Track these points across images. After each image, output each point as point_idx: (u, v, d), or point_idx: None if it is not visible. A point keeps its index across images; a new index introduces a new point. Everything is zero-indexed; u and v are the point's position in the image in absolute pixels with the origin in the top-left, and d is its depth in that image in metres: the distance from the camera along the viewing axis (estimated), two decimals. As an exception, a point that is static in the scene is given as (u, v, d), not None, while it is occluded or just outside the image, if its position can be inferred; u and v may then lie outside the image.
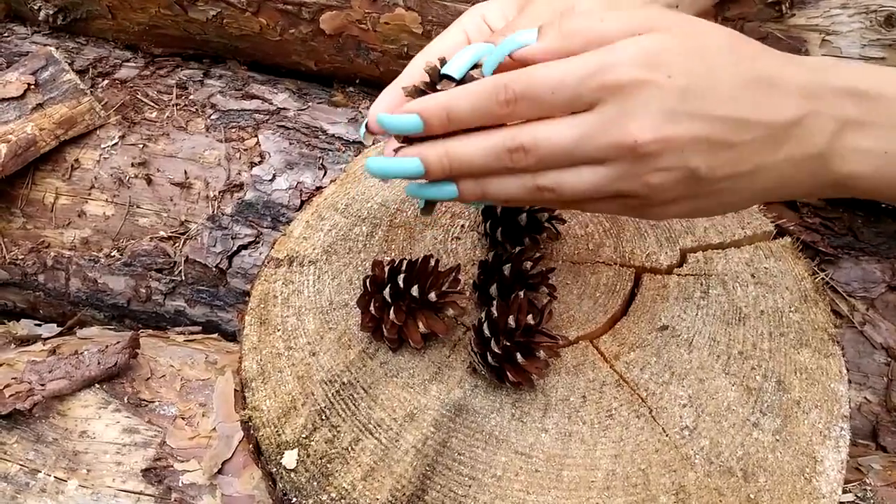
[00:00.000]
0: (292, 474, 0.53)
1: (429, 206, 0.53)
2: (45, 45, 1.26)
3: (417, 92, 0.48)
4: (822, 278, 0.65)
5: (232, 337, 1.01)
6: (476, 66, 0.48)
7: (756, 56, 0.44)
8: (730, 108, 0.42)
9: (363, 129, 0.54)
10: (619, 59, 0.41)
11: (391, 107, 0.53)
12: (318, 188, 1.01)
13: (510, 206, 0.48)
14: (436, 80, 0.49)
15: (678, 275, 0.64)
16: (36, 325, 1.11)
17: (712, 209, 0.48)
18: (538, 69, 0.43)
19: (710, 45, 0.43)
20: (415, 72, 0.53)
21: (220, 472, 0.74)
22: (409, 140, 0.48)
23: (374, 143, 0.80)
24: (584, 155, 0.43)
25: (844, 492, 0.63)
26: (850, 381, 0.58)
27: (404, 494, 0.51)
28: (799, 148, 0.44)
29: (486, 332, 0.54)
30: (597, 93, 0.42)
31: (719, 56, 0.43)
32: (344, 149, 1.07)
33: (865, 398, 0.84)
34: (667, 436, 0.53)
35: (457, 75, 0.48)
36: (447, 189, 0.48)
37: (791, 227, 0.89)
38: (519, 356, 0.53)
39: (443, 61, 0.49)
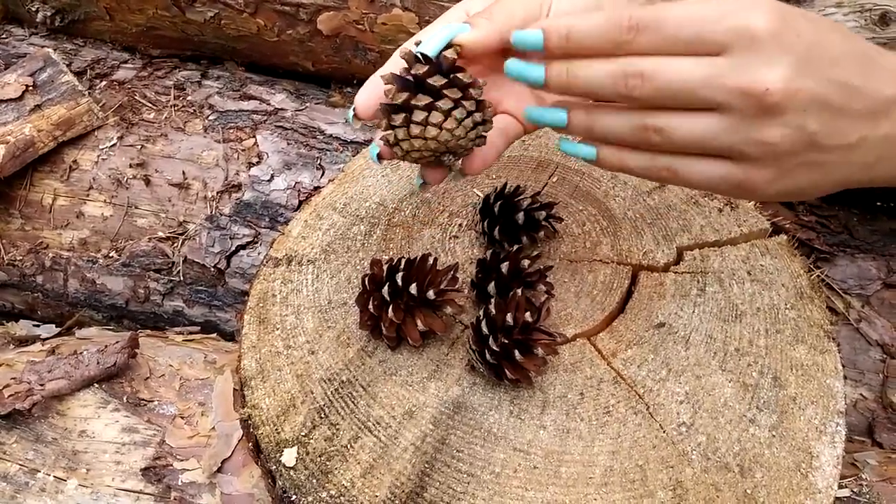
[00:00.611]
0: (292, 472, 0.53)
1: (424, 183, 0.55)
2: (43, 46, 1.26)
3: (394, 78, 0.49)
4: (818, 275, 0.66)
5: (230, 337, 1.01)
6: (449, 45, 0.49)
7: (856, 37, 0.44)
8: (845, 73, 0.42)
9: (351, 114, 0.55)
10: (755, 7, 0.41)
11: (371, 97, 0.53)
12: (317, 188, 1.02)
13: (602, 152, 0.48)
14: (412, 63, 0.49)
15: (675, 272, 0.64)
16: (34, 325, 1.11)
17: (815, 185, 0.46)
18: (663, 6, 0.42)
19: (818, 17, 0.43)
20: (395, 63, 0.53)
21: (219, 470, 0.74)
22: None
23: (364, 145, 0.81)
24: (706, 96, 0.42)
25: (840, 487, 0.63)
26: (846, 378, 0.58)
27: (403, 491, 0.51)
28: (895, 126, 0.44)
29: (485, 329, 0.54)
30: (727, 35, 0.41)
31: (829, 28, 0.43)
32: (342, 149, 1.08)
33: (861, 395, 0.84)
34: (664, 432, 0.54)
35: (430, 53, 0.49)
36: (558, 115, 0.48)
37: (787, 225, 0.89)
38: (517, 353, 0.53)
39: (418, 45, 0.49)
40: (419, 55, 0.49)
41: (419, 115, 0.49)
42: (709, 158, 0.44)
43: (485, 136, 0.52)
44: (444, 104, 0.49)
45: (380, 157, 0.54)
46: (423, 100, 0.49)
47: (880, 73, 0.43)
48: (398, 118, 0.49)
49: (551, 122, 0.49)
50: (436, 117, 0.49)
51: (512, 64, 0.48)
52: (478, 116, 0.50)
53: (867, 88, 0.43)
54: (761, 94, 0.40)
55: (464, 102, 0.49)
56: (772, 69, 0.40)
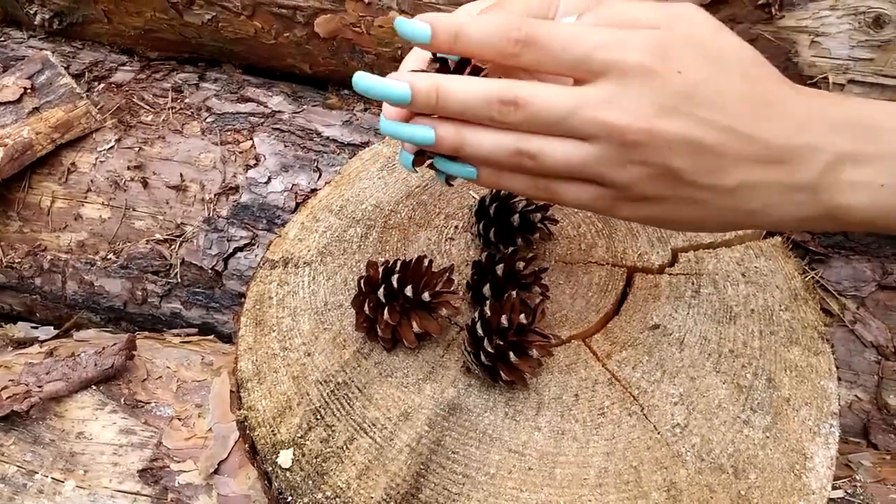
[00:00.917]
0: (287, 473, 0.54)
1: (450, 179, 0.52)
2: (41, 49, 1.26)
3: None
4: (813, 277, 0.66)
5: (228, 339, 1.01)
6: None
7: (768, 79, 0.44)
8: (727, 117, 0.42)
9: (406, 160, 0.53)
10: (635, 42, 0.41)
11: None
12: (313, 190, 1.02)
13: (482, 172, 0.47)
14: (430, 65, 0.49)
15: (670, 274, 0.64)
16: (33, 327, 1.11)
17: (687, 220, 0.47)
18: (558, 24, 0.43)
19: (728, 56, 0.43)
20: (414, 57, 0.52)
21: (216, 472, 0.74)
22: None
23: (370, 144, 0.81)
24: (573, 126, 0.42)
25: (834, 488, 0.63)
26: (840, 380, 0.59)
27: (399, 493, 0.52)
28: (790, 175, 0.43)
29: (480, 331, 0.55)
30: (602, 66, 0.41)
31: (732, 69, 0.43)
32: (339, 151, 1.08)
33: (856, 396, 0.84)
34: (658, 433, 0.54)
35: (404, 32, 0.48)
36: (424, 130, 0.46)
37: (782, 227, 0.89)
38: (512, 355, 0.54)
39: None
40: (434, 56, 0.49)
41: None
42: (581, 182, 0.45)
43: None
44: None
45: (415, 164, 0.51)
46: None
47: (776, 120, 0.43)
48: None
49: (412, 138, 0.46)
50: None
51: (365, 77, 0.45)
52: None
53: (754, 134, 0.42)
54: (622, 129, 0.41)
55: None
56: (630, 106, 0.41)
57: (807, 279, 0.65)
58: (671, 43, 0.42)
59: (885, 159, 0.44)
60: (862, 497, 0.66)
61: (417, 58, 0.52)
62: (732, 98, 0.42)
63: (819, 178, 0.44)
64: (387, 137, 0.81)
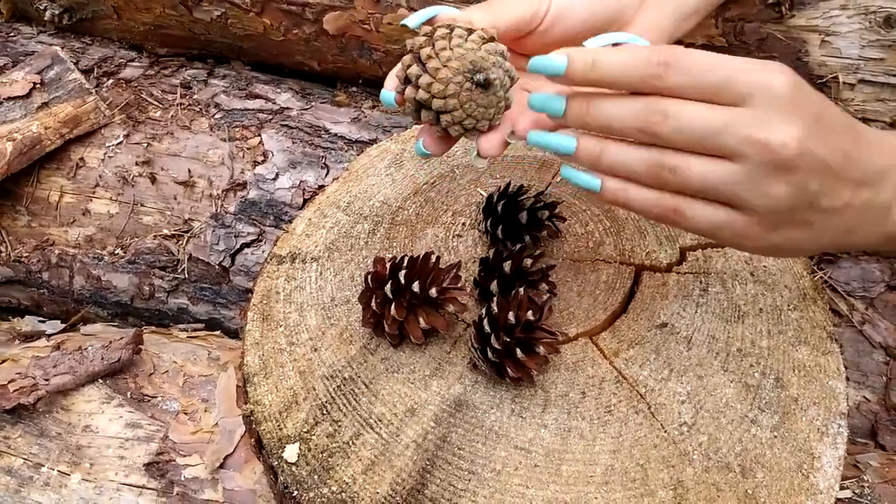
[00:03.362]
0: (293, 468, 0.54)
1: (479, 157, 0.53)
2: (50, 44, 1.26)
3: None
4: (821, 277, 0.66)
5: (234, 334, 1.01)
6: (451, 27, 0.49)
7: (842, 109, 0.48)
8: (844, 142, 0.44)
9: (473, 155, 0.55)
10: (775, 67, 0.43)
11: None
12: (321, 187, 1.02)
13: (607, 183, 0.48)
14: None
15: (678, 273, 0.64)
16: (40, 321, 1.12)
17: (801, 245, 0.48)
18: (697, 50, 0.44)
19: (813, 89, 0.46)
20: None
21: (221, 466, 0.74)
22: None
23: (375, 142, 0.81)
24: (725, 143, 0.42)
25: (842, 488, 0.63)
26: (849, 380, 0.58)
27: (404, 488, 0.52)
28: (875, 197, 0.46)
29: (487, 328, 0.55)
30: (751, 87, 0.42)
31: (825, 99, 0.46)
32: (346, 148, 1.08)
33: (864, 397, 0.84)
34: (665, 432, 0.54)
35: (412, 25, 0.49)
36: (567, 141, 0.47)
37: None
38: (519, 352, 0.53)
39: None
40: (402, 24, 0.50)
41: (441, 43, 0.48)
42: (714, 204, 0.45)
43: (510, 101, 0.51)
44: (461, 30, 0.49)
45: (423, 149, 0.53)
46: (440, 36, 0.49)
47: (870, 146, 0.46)
48: (424, 51, 0.49)
49: (558, 147, 0.48)
50: (457, 37, 0.48)
51: (535, 97, 0.48)
52: (500, 47, 0.50)
53: (859, 158, 0.45)
54: (778, 148, 0.42)
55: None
56: (789, 126, 0.42)
57: (815, 279, 0.65)
58: (796, 78, 0.43)
59: None
60: (870, 497, 0.66)
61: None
62: (841, 126, 0.45)
63: (892, 199, 0.47)
64: (395, 133, 0.82)
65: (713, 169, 0.44)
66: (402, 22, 0.50)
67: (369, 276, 0.59)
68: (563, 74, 0.45)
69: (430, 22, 0.52)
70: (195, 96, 1.19)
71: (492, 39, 0.50)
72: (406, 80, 0.49)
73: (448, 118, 0.49)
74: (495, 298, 0.56)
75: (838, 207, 0.45)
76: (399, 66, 0.50)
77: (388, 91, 0.53)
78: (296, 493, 0.53)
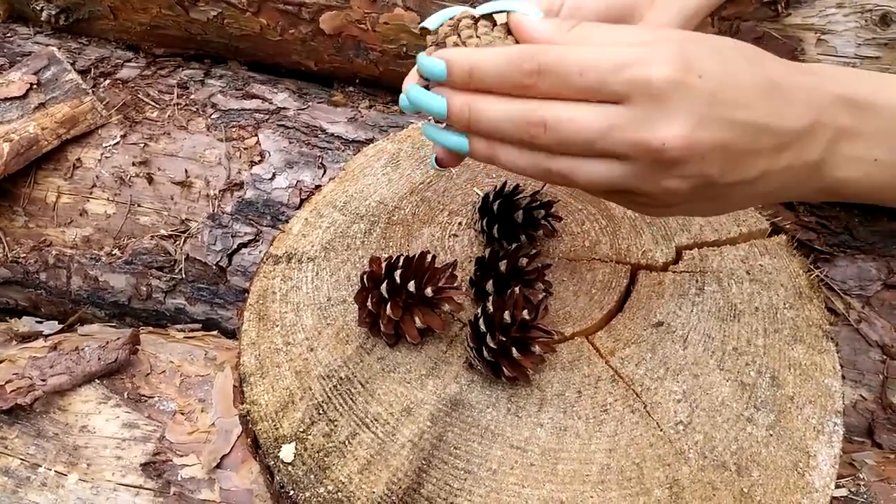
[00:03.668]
0: (290, 468, 0.54)
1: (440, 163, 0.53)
2: (47, 45, 1.26)
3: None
4: (818, 275, 0.66)
5: (231, 334, 1.01)
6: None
7: (764, 60, 0.44)
8: (751, 113, 0.42)
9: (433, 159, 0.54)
10: (656, 56, 0.40)
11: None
12: (318, 186, 1.02)
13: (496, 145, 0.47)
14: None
15: (674, 272, 0.64)
16: (37, 322, 1.12)
17: (710, 211, 0.48)
18: (571, 48, 0.42)
19: (725, 46, 0.43)
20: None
21: (218, 466, 0.74)
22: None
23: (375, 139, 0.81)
24: (606, 148, 0.41)
25: (837, 487, 0.63)
26: (845, 379, 0.58)
27: (400, 487, 0.52)
28: (799, 156, 0.44)
29: (482, 327, 0.55)
30: (627, 86, 0.40)
31: (736, 58, 0.43)
32: (343, 147, 1.08)
33: (861, 395, 0.84)
34: (661, 430, 0.54)
35: (431, 27, 0.49)
36: (459, 141, 0.47)
37: (787, 226, 0.89)
38: (515, 351, 0.53)
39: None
40: (422, 28, 0.49)
41: (467, 31, 0.48)
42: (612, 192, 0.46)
43: None
44: (485, 21, 0.48)
45: (438, 164, 0.52)
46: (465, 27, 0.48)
47: (787, 105, 0.43)
48: (450, 39, 0.48)
49: (452, 144, 0.48)
50: (483, 27, 0.48)
51: (413, 91, 0.47)
52: None
53: (775, 124, 0.42)
54: (658, 149, 0.40)
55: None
56: (670, 124, 0.40)
57: (812, 277, 0.65)
58: (685, 48, 0.41)
59: (878, 134, 0.45)
60: (865, 496, 0.66)
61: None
62: (746, 88, 0.42)
63: (823, 155, 0.44)
64: (391, 133, 0.81)
65: (604, 171, 0.43)
66: (422, 25, 0.49)
67: (365, 276, 0.59)
68: (444, 79, 0.45)
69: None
70: (192, 96, 1.19)
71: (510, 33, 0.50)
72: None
73: None
74: (491, 298, 0.56)
75: (751, 178, 0.44)
76: (415, 68, 0.50)
77: (408, 95, 0.50)
78: (292, 492, 0.53)
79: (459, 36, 0.48)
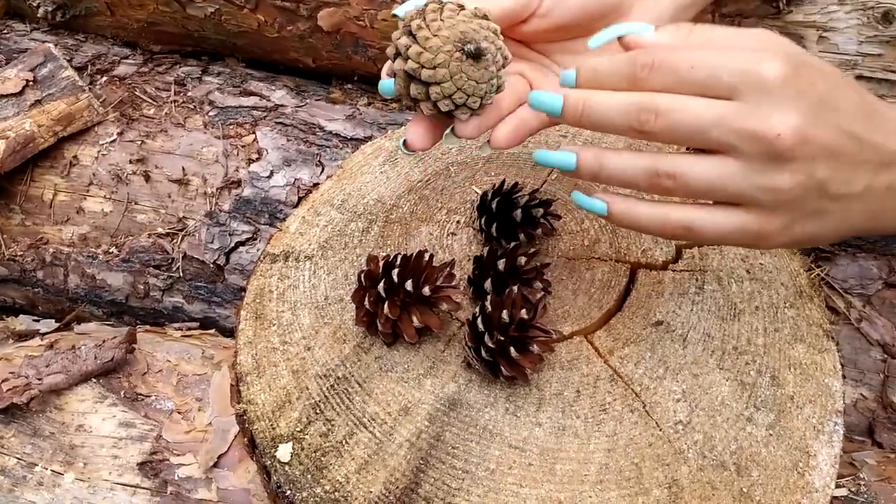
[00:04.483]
0: (287, 467, 0.53)
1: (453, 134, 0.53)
2: (43, 41, 1.26)
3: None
4: (818, 274, 0.65)
5: (229, 333, 1.01)
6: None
7: (863, 89, 0.46)
8: (857, 126, 0.43)
9: (401, 143, 0.55)
10: (766, 54, 0.41)
11: (420, 130, 0.53)
12: (315, 184, 1.02)
13: (614, 206, 0.49)
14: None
15: (674, 270, 0.64)
16: (34, 320, 1.11)
17: (822, 234, 0.47)
18: (681, 48, 0.44)
19: (829, 69, 0.44)
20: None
21: (215, 465, 0.74)
22: None
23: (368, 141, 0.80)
24: (717, 137, 0.42)
25: (838, 486, 0.63)
26: (845, 378, 0.58)
27: (398, 487, 0.51)
28: None
29: (480, 326, 0.54)
30: (738, 78, 0.41)
31: (840, 79, 0.44)
32: (341, 145, 1.08)
33: (862, 395, 0.84)
34: (660, 430, 0.53)
35: (401, 14, 0.49)
36: (566, 156, 0.48)
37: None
38: (513, 350, 0.53)
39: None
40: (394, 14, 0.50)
41: (432, 15, 0.48)
42: (723, 208, 0.45)
43: (502, 82, 0.50)
44: (452, 5, 0.48)
45: (406, 146, 0.53)
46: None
47: (886, 125, 0.45)
48: (414, 22, 0.48)
49: (559, 163, 0.48)
50: (449, 10, 0.48)
51: (535, 94, 0.48)
52: (493, 25, 0.49)
53: (874, 140, 0.44)
54: (772, 139, 0.41)
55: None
56: (783, 115, 0.41)
57: (812, 276, 0.64)
58: (795, 56, 0.42)
59: None
60: (866, 496, 0.66)
61: None
62: (852, 107, 0.43)
63: None
64: (390, 131, 0.81)
65: (711, 167, 0.43)
66: (394, 12, 0.50)
67: (363, 275, 0.58)
68: (559, 115, 0.47)
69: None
70: (189, 94, 1.18)
71: (484, 17, 0.49)
72: (396, 55, 0.49)
73: (438, 90, 0.48)
74: (489, 297, 0.56)
75: (857, 193, 0.44)
76: (389, 49, 0.50)
77: (385, 80, 0.52)
78: (289, 492, 0.52)
79: (424, 19, 0.47)
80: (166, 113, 1.15)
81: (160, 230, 1.08)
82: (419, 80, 0.48)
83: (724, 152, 0.42)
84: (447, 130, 0.53)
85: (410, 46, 0.47)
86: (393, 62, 0.49)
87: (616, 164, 0.46)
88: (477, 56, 0.47)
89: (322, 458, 0.53)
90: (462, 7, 0.49)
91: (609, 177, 0.47)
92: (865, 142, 0.43)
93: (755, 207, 0.44)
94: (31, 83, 1.12)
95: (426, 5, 0.49)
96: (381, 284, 0.57)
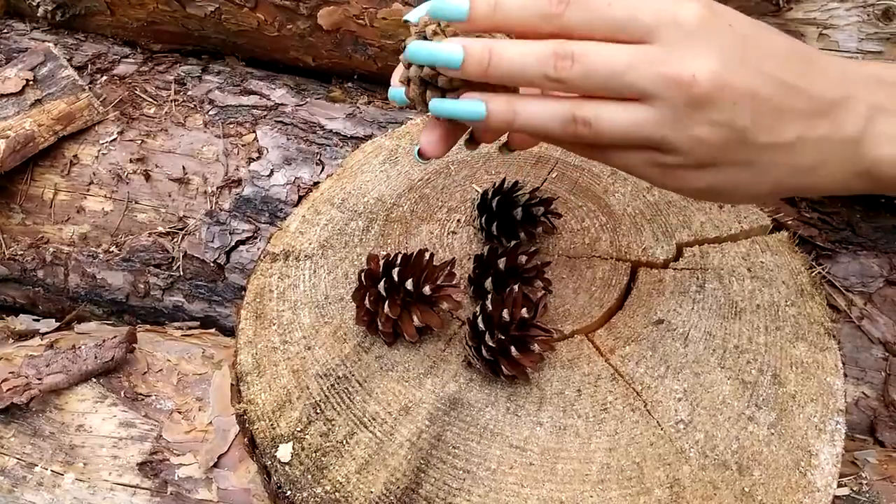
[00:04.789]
0: (287, 467, 0.53)
1: (472, 141, 0.50)
2: (43, 41, 1.25)
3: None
4: (819, 272, 0.65)
5: (230, 332, 1.01)
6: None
7: (796, 40, 0.43)
8: (784, 70, 0.40)
9: (416, 151, 0.51)
10: (684, 0, 0.40)
11: (434, 136, 0.49)
12: (315, 183, 1.01)
13: (537, 138, 0.46)
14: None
15: (674, 269, 0.64)
16: (35, 320, 1.11)
17: (745, 187, 0.44)
18: None
19: (755, 20, 0.42)
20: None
21: (215, 465, 0.74)
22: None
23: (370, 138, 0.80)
24: (633, 82, 0.40)
25: (840, 486, 0.63)
26: (847, 376, 0.58)
27: (399, 487, 0.51)
28: (837, 129, 0.42)
29: (481, 325, 0.54)
30: (656, 20, 0.39)
31: (768, 27, 0.42)
32: (341, 144, 1.07)
33: (863, 393, 0.84)
34: (661, 429, 0.53)
35: (413, 19, 0.48)
36: (475, 105, 0.43)
37: (788, 222, 0.88)
38: (513, 350, 0.53)
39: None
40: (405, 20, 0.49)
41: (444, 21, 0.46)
42: (639, 149, 0.43)
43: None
44: None
45: (421, 155, 0.49)
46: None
47: (822, 74, 0.42)
48: (429, 28, 0.46)
49: (466, 113, 0.44)
50: None
51: (416, 45, 0.44)
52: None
53: (808, 88, 0.41)
54: (688, 83, 0.39)
55: None
56: (699, 59, 0.39)
57: (813, 274, 0.64)
58: (713, 1, 0.40)
59: None
60: (868, 495, 0.66)
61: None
62: (780, 52, 0.41)
63: (861, 131, 0.43)
64: (390, 130, 0.81)
65: (630, 114, 0.41)
66: (405, 18, 0.49)
67: (363, 274, 0.58)
68: (466, 19, 0.42)
69: None
70: (189, 93, 1.18)
71: None
72: (410, 62, 0.48)
73: (454, 97, 0.47)
74: (490, 296, 0.56)
75: (786, 142, 0.42)
76: (402, 56, 0.49)
77: (396, 88, 0.49)
78: (289, 492, 0.52)
79: (439, 24, 0.47)
80: (166, 112, 1.15)
81: (160, 229, 1.08)
82: (435, 87, 0.47)
83: (640, 99, 0.40)
84: (464, 137, 0.51)
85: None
86: (407, 69, 0.48)
87: (532, 110, 0.43)
88: None
89: (322, 458, 0.53)
90: None
91: (523, 125, 0.43)
92: (795, 88, 0.41)
93: (669, 151, 0.42)
94: (31, 82, 1.12)
95: None
96: (382, 283, 0.56)
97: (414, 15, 0.49)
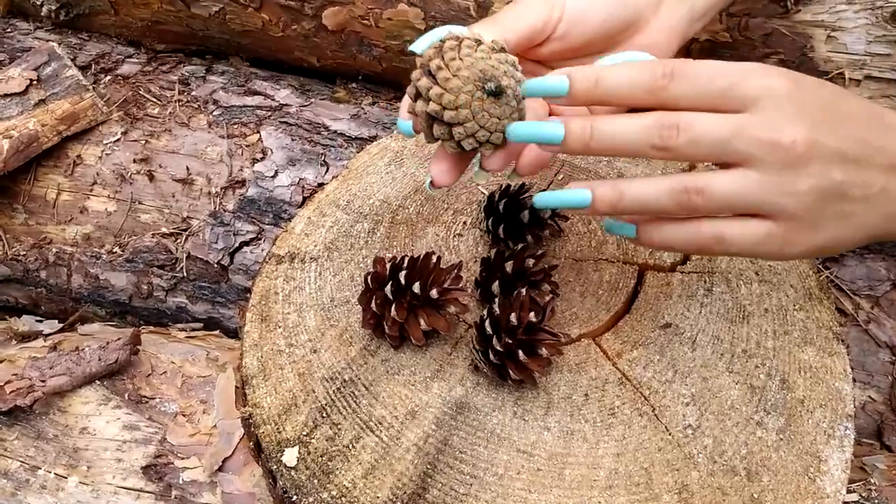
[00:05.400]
0: (293, 472, 0.53)
1: (483, 170, 0.51)
2: (47, 40, 1.25)
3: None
4: (827, 276, 0.65)
5: (234, 334, 1.01)
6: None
7: (864, 98, 0.49)
8: (861, 130, 0.45)
9: (428, 182, 0.52)
10: (771, 70, 0.44)
11: (444, 167, 0.51)
12: (320, 184, 1.01)
13: (642, 228, 0.48)
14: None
15: (682, 272, 0.63)
16: (37, 321, 1.11)
17: (845, 238, 0.47)
18: (696, 61, 0.44)
19: (830, 85, 0.46)
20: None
21: (220, 469, 0.74)
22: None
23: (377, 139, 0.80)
24: (738, 148, 0.43)
25: (849, 491, 0.62)
26: (854, 380, 0.57)
27: (405, 493, 0.51)
28: None
29: (488, 329, 0.54)
30: (753, 92, 0.43)
31: (839, 91, 0.46)
32: (346, 145, 1.07)
33: (870, 397, 0.83)
34: (670, 434, 0.53)
35: (418, 50, 0.48)
36: (581, 193, 0.46)
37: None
38: (521, 354, 0.53)
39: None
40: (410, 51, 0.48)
41: (450, 54, 0.47)
42: (750, 219, 0.45)
43: (523, 112, 0.49)
44: (470, 41, 0.47)
45: (433, 185, 0.51)
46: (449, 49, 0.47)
47: (891, 130, 0.46)
48: (433, 62, 0.47)
49: (573, 202, 0.47)
50: (467, 47, 0.47)
51: (515, 125, 0.46)
52: (511, 57, 0.48)
53: (883, 144, 0.46)
54: (788, 146, 0.42)
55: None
56: (795, 125, 0.43)
57: (821, 278, 0.64)
58: (789, 72, 0.44)
59: None
60: (877, 501, 0.65)
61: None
62: (857, 114, 0.46)
63: None
64: (395, 131, 0.81)
65: (734, 179, 0.44)
66: (410, 48, 0.49)
67: (369, 277, 0.58)
68: (566, 94, 0.45)
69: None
70: (193, 93, 1.18)
71: (502, 50, 0.49)
72: (416, 96, 0.48)
73: (461, 130, 0.47)
74: (497, 299, 0.56)
75: (873, 195, 0.45)
76: (409, 89, 0.49)
77: (404, 120, 0.51)
78: (295, 497, 0.52)
79: (443, 59, 0.47)
80: (170, 112, 1.15)
81: (164, 230, 1.07)
82: (442, 122, 0.47)
83: (743, 164, 0.43)
84: (475, 168, 0.52)
85: (431, 88, 0.47)
86: (414, 102, 0.48)
87: (638, 190, 0.45)
88: (498, 94, 0.47)
89: (329, 463, 0.53)
90: (479, 42, 0.48)
91: (630, 204, 0.46)
92: (874, 146, 0.45)
93: (779, 216, 0.45)
94: (34, 82, 1.11)
95: (443, 42, 0.48)
96: (388, 287, 0.56)
97: (419, 46, 0.49)
